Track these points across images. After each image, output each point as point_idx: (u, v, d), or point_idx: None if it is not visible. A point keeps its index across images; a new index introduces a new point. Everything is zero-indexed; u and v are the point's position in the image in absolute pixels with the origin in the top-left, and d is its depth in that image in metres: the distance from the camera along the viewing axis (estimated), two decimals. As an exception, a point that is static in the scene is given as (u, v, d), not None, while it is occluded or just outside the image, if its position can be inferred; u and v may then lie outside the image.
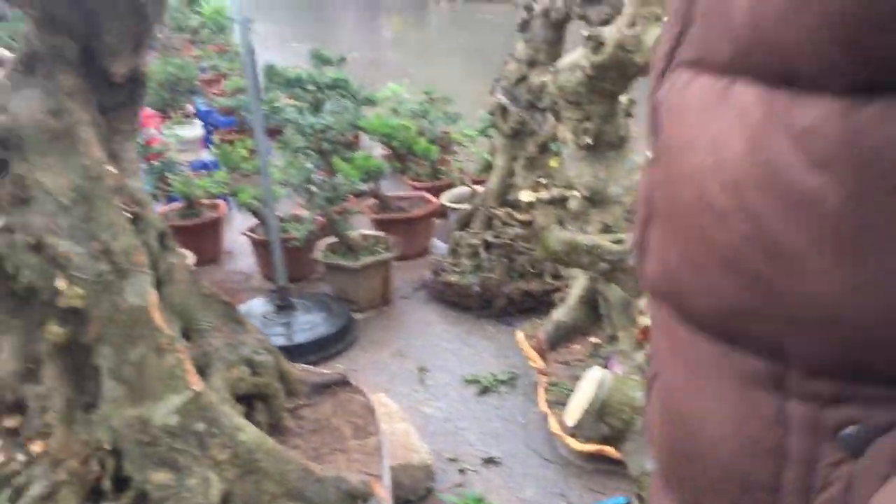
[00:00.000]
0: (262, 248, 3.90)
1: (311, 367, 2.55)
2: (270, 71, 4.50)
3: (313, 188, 3.44)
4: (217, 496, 1.80)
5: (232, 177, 4.40)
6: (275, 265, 3.34)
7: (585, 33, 2.47)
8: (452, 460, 2.60)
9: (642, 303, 1.72)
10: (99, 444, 1.79)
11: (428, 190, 4.52)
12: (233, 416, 1.86)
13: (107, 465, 1.81)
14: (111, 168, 1.78)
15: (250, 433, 1.87)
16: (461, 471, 2.55)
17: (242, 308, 3.53)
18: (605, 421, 1.63)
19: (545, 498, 2.40)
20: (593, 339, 2.84)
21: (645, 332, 1.65)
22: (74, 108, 1.73)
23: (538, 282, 3.49)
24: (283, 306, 3.39)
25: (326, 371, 2.51)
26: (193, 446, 1.79)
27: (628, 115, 2.82)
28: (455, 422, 2.82)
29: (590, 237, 2.47)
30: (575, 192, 2.61)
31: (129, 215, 1.81)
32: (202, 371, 2.05)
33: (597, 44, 2.42)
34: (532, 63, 3.48)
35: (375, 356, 3.30)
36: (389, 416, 2.59)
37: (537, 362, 2.90)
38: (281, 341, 3.30)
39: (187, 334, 2.10)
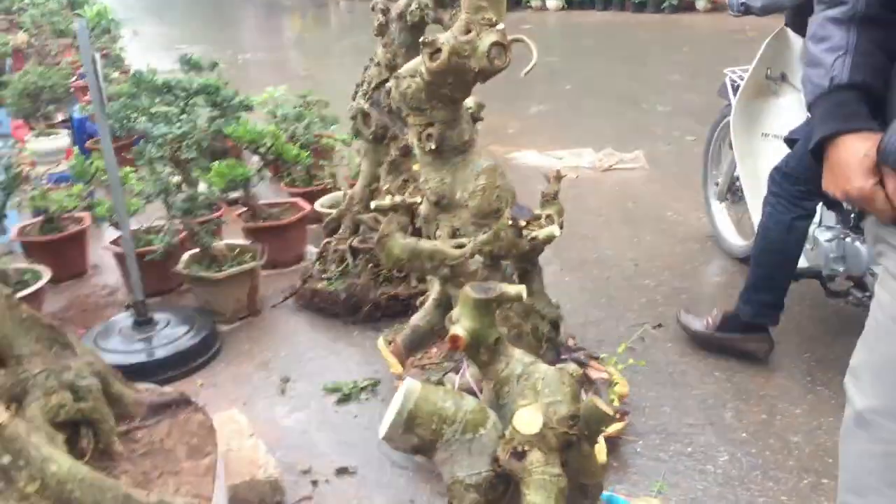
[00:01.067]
0: (124, 261, 3.78)
1: (153, 387, 2.48)
2: (138, 77, 4.37)
3: (171, 199, 3.35)
4: (25, 531, 1.73)
5: (97, 189, 4.26)
6: (131, 279, 3.24)
7: (421, 40, 2.47)
8: (305, 472, 2.57)
9: (455, 312, 1.73)
10: None
11: (303, 196, 4.47)
12: (41, 446, 1.79)
13: None
14: None
15: (62, 463, 1.79)
16: (314, 482, 2.53)
17: (101, 326, 3.42)
18: (414, 432, 1.63)
19: (395, 507, 2.40)
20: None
21: (454, 340, 1.65)
22: None
23: (405, 286, 3.49)
24: (142, 321, 3.30)
25: (168, 390, 2.44)
26: (-3, 480, 1.71)
27: (475, 119, 2.85)
28: (312, 433, 2.79)
29: (431, 243, 2.48)
30: (418, 199, 2.61)
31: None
32: (17, 399, 1.97)
33: (433, 50, 2.42)
34: (392, 67, 3.47)
35: (238, 368, 3.24)
36: (239, 433, 2.55)
37: (396, 367, 2.90)
38: (141, 357, 3.22)
39: (2, 361, 2.01)
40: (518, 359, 1.74)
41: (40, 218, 4.09)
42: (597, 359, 2.85)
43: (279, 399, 3.00)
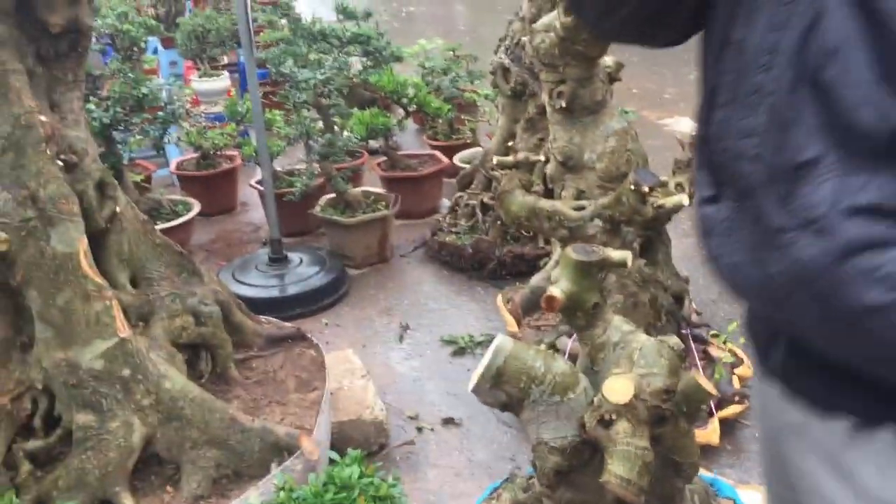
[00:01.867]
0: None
1: (274, 321, 2.59)
2: (295, 24, 4.53)
3: (311, 143, 3.45)
4: (139, 439, 1.87)
5: (249, 129, 4.46)
6: (269, 218, 3.39)
7: (559, -8, 2.39)
8: (412, 418, 2.62)
9: (555, 272, 1.69)
10: (32, 383, 1.87)
11: (445, 149, 4.49)
12: (159, 363, 1.92)
13: (39, 404, 1.89)
14: (44, 117, 1.82)
15: (176, 381, 1.92)
16: (419, 429, 2.57)
17: (240, 259, 3.61)
18: (502, 388, 1.62)
19: (495, 461, 2.41)
20: (566, 306, 2.79)
21: (549, 300, 1.61)
22: (6, 58, 1.77)
23: (531, 245, 3.45)
24: (277, 259, 3.44)
25: (287, 325, 2.55)
26: (118, 391, 1.85)
27: (612, 79, 2.74)
28: (424, 381, 2.83)
29: (550, 202, 2.42)
30: (541, 157, 2.56)
31: (61, 164, 1.85)
32: (144, 318, 2.11)
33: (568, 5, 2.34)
34: (535, 22, 3.39)
35: (362, 312, 3.33)
36: (351, 372, 2.62)
37: (512, 326, 2.89)
38: (273, 292, 3.37)
39: (135, 282, 2.16)
40: (616, 326, 1.68)
41: (197, 154, 4.33)
42: (720, 337, 2.72)
43: (397, 345, 3.07)
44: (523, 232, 3.46)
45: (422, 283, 3.54)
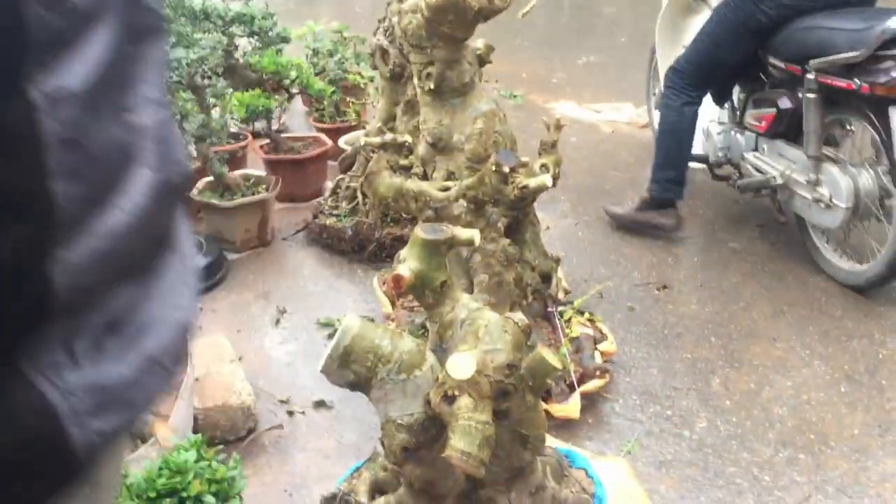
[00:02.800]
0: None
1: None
2: (175, 2, 4.38)
3: (185, 125, 3.37)
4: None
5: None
6: (141, 202, 3.29)
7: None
8: (283, 402, 2.61)
9: (403, 251, 1.71)
10: None
11: (331, 132, 4.46)
12: None
13: None
14: None
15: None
16: (289, 413, 2.56)
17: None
18: (350, 368, 1.63)
19: (364, 442, 2.42)
20: (439, 287, 2.83)
21: (396, 280, 1.63)
22: None
23: (411, 227, 3.46)
24: (150, 244, 3.35)
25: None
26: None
27: (482, 61, 2.78)
28: (297, 365, 2.82)
29: (417, 183, 2.45)
30: (408, 138, 2.58)
31: None
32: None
33: (433, -14, 2.36)
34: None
35: (239, 297, 3.28)
36: (220, 357, 2.59)
37: (387, 307, 2.90)
38: (147, 279, 3.29)
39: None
40: (464, 304, 1.72)
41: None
42: (584, 315, 2.81)
43: (272, 329, 3.04)
44: (403, 214, 3.48)
45: (302, 267, 3.52)
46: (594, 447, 2.39)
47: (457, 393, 1.57)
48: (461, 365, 1.59)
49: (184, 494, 1.32)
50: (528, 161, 2.42)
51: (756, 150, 3.58)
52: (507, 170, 2.21)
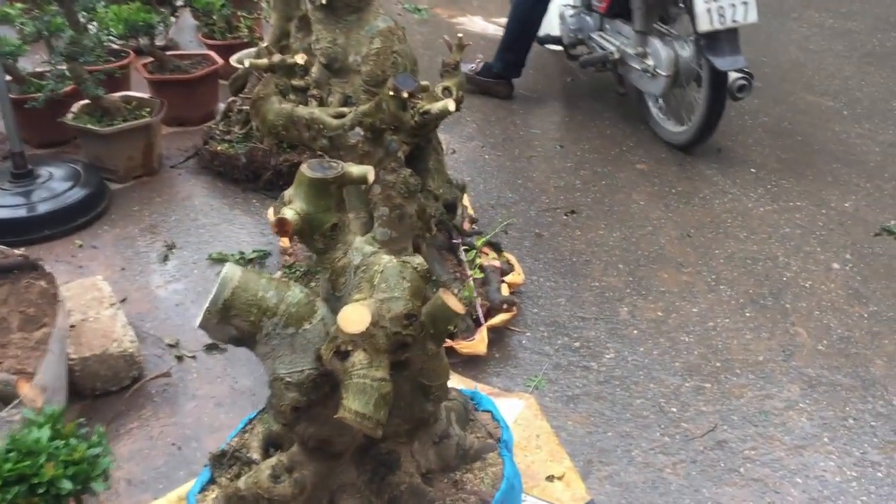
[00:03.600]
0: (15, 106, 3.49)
1: (2, 248, 2.28)
2: None
3: (54, 42, 3.04)
4: None
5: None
6: (7, 129, 2.97)
7: None
8: (172, 346, 2.44)
9: (289, 191, 1.54)
10: None
11: (223, 49, 4.13)
12: None
13: None
14: None
15: None
16: (178, 358, 2.40)
17: (-24, 175, 3.17)
18: (231, 322, 1.47)
19: (260, 387, 2.29)
20: (339, 219, 2.66)
21: (280, 223, 1.47)
22: None
23: (310, 153, 3.26)
24: (20, 174, 3.05)
25: (16, 252, 2.25)
26: None
27: (378, -27, 2.55)
28: (187, 305, 2.64)
29: (308, 110, 2.25)
30: (298, 60, 2.36)
31: None
32: None
33: None
34: None
35: (123, 231, 3.04)
36: (99, 301, 2.38)
37: (285, 241, 2.73)
38: (18, 212, 3.00)
39: None
40: (358, 248, 1.57)
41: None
42: (494, 246, 2.70)
43: (159, 267, 2.83)
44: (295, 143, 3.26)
45: (192, 197, 3.28)
46: (501, 383, 2.32)
47: (350, 348, 1.44)
48: (354, 317, 1.45)
49: (35, 480, 1.16)
50: (429, 84, 2.25)
51: (601, 29, 4.02)
52: (405, 95, 2.04)
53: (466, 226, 2.66)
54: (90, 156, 3.35)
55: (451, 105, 2.22)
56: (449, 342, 2.35)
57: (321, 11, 2.39)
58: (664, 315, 2.61)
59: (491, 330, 2.43)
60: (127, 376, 2.27)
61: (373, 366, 1.43)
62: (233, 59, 3.91)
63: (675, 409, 2.23)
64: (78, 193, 3.09)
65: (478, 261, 2.60)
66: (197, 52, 4.11)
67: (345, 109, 2.24)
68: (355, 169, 1.55)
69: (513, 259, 2.69)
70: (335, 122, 2.20)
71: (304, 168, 1.51)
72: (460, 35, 2.40)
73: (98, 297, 2.39)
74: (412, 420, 1.68)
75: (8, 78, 3.52)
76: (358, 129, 2.18)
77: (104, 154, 3.30)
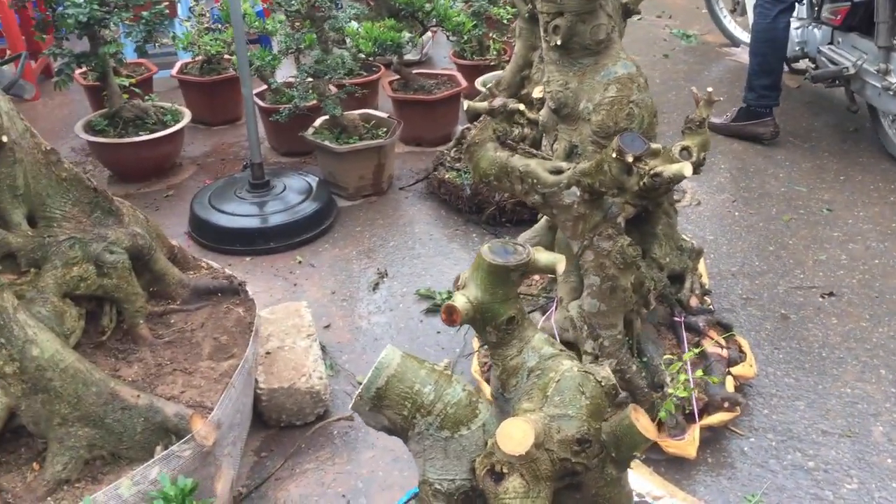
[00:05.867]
0: (268, 116, 3.65)
1: (215, 266, 2.32)
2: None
3: (301, 59, 3.10)
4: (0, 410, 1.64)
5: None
6: (250, 139, 3.08)
7: None
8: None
9: (464, 274, 1.35)
10: None
11: (471, 70, 4.07)
12: (27, 325, 1.66)
13: None
14: None
15: (46, 347, 1.67)
16: (365, 400, 2.30)
17: (222, 181, 3.33)
18: (383, 413, 1.32)
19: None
20: (552, 274, 2.43)
21: (448, 311, 1.28)
22: None
23: (537, 192, 3.07)
24: (258, 184, 3.16)
25: (225, 273, 2.27)
26: (-24, 355, 1.62)
27: (628, 12, 2.29)
28: (386, 341, 2.55)
29: (524, 161, 2.05)
30: (521, 106, 2.17)
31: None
32: (37, 265, 1.87)
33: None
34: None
35: (342, 251, 3.04)
36: (297, 330, 2.35)
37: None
38: (251, 223, 3.10)
39: (33, 221, 1.90)
40: (535, 347, 1.35)
41: (200, 58, 4.02)
42: (724, 328, 2.34)
43: (368, 295, 2.78)
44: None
45: (413, 223, 3.22)
46: (709, 496, 1.97)
47: (506, 470, 1.23)
48: (516, 435, 1.23)
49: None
50: (661, 149, 1.96)
51: (831, 43, 3.76)
52: (630, 159, 1.77)
53: (694, 301, 2.32)
54: (325, 171, 3.40)
55: (688, 170, 1.92)
56: (655, 437, 2.05)
57: (556, 52, 2.17)
58: (932, 445, 2.11)
59: (706, 428, 2.10)
60: (312, 412, 2.22)
61: (529, 496, 1.21)
62: (478, 82, 3.82)
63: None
64: (308, 208, 3.13)
65: (701, 347, 2.26)
66: (442, 72, 4.07)
67: (564, 165, 2.01)
68: (543, 257, 1.33)
69: (745, 346, 2.31)
70: (551, 178, 1.98)
71: (483, 251, 1.31)
72: (710, 90, 2.08)
73: (298, 325, 2.37)
74: (580, 551, 1.43)
75: (263, 87, 3.69)
76: (575, 189, 1.94)
77: (337, 171, 3.34)
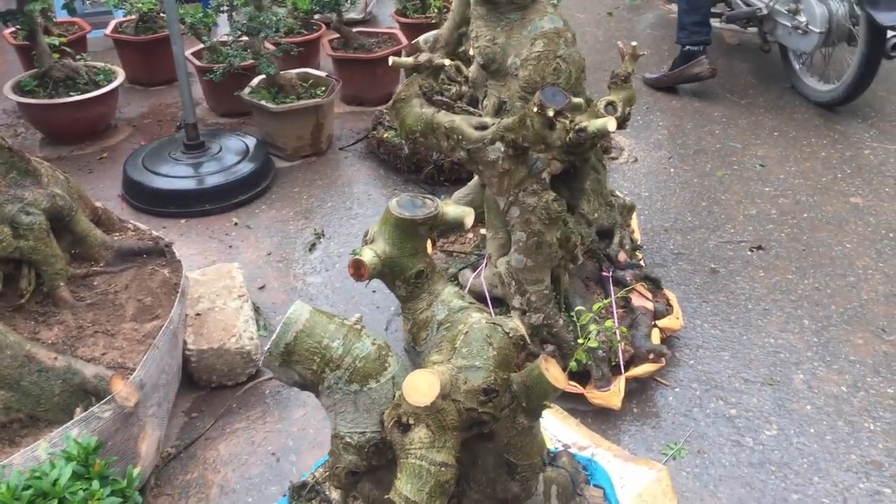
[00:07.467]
0: (203, 74, 3.58)
1: (142, 228, 2.28)
2: None
3: (235, 16, 3.04)
4: None
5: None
6: (183, 99, 3.02)
7: None
8: (294, 346, 2.35)
9: (373, 228, 1.35)
10: None
11: (411, 27, 4.03)
12: (-63, 289, 1.63)
13: None
14: None
15: (-43, 310, 1.64)
16: (298, 359, 2.30)
17: (155, 143, 3.27)
18: (293, 368, 1.32)
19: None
20: (483, 231, 2.45)
21: (355, 266, 1.28)
22: None
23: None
24: (192, 145, 3.11)
25: (151, 235, 2.23)
26: None
27: (556, -35, 2.28)
28: (320, 300, 2.55)
29: (450, 117, 2.04)
30: (445, 61, 2.15)
31: None
32: (-52, 228, 1.82)
33: None
34: None
35: (279, 213, 3.01)
36: (229, 291, 2.34)
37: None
38: (190, 184, 3.05)
39: (-56, 184, 1.85)
40: (445, 300, 1.36)
41: (135, 16, 3.92)
42: (653, 282, 2.38)
43: (304, 256, 2.77)
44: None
45: (352, 184, 3.20)
46: (633, 445, 2.02)
47: (412, 421, 1.24)
48: (421, 386, 1.24)
49: (39, 528, 1.07)
50: (583, 103, 1.97)
51: None
52: (551, 113, 1.78)
53: (623, 256, 2.36)
54: (262, 132, 3.36)
55: (612, 124, 1.93)
56: (580, 389, 2.09)
57: (483, 7, 2.17)
58: (849, 392, 2.18)
59: (633, 379, 2.14)
60: (243, 373, 2.22)
61: (435, 446, 1.22)
62: (421, 40, 3.77)
63: (841, 519, 1.84)
64: (245, 169, 3.10)
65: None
66: (383, 30, 4.02)
67: (489, 120, 2.01)
68: (452, 210, 1.33)
69: (673, 299, 2.36)
70: (476, 134, 1.98)
71: (391, 205, 1.31)
72: (634, 43, 2.08)
73: (229, 286, 2.35)
74: (494, 499, 1.45)
75: (199, 47, 3.62)
76: (499, 145, 1.95)
77: (275, 131, 3.30)
